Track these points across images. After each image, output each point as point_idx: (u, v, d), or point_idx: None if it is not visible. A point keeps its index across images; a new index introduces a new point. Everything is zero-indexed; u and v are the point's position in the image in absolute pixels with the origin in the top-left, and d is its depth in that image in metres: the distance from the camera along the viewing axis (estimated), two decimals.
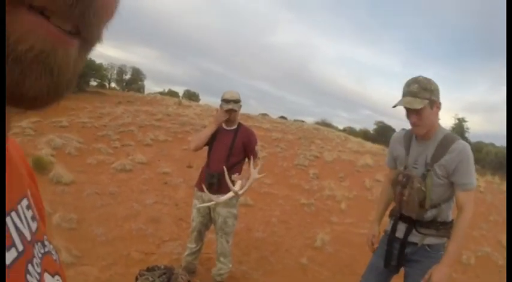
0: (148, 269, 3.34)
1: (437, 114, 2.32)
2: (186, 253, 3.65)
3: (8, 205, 0.40)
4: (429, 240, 2.43)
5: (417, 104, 2.22)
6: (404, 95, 2.30)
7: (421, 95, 2.23)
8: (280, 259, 4.65)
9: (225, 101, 3.39)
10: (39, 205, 0.54)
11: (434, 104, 2.27)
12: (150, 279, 3.14)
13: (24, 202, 0.45)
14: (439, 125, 2.38)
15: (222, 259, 3.50)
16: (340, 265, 4.71)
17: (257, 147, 3.51)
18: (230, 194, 3.16)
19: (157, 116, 16.22)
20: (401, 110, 2.35)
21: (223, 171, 3.34)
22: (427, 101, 2.22)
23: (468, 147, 2.27)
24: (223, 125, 3.50)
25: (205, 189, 3.27)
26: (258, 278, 4.08)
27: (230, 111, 3.39)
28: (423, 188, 2.30)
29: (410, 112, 2.29)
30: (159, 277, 3.17)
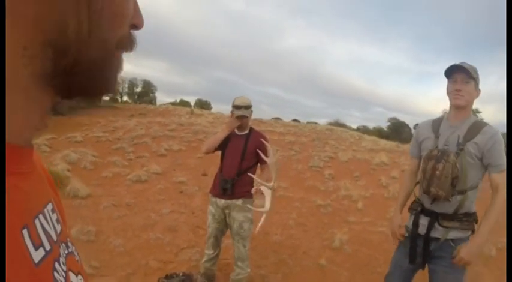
0: (167, 277, 3.37)
1: (475, 98, 2.46)
2: (204, 259, 3.65)
3: (36, 208, 0.43)
4: (453, 234, 2.40)
5: (470, 72, 2.36)
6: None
7: (471, 71, 2.37)
8: (298, 261, 4.63)
9: (236, 107, 3.39)
10: (62, 211, 0.57)
11: (477, 88, 2.43)
12: None
13: (50, 206, 0.48)
14: (472, 111, 2.51)
15: (239, 264, 3.50)
16: (359, 264, 4.66)
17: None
18: (269, 197, 3.01)
19: (171, 126, 16.33)
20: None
21: (236, 177, 3.35)
22: (474, 78, 2.38)
23: (499, 131, 2.37)
24: (235, 130, 3.50)
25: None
26: None
27: (241, 118, 3.40)
28: (458, 165, 2.31)
29: (457, 81, 2.41)
30: None
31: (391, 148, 15.44)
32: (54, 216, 0.48)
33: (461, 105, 2.42)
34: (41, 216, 0.43)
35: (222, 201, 3.42)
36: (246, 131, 3.51)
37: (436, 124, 2.56)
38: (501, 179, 2.29)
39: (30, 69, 0.37)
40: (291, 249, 5.03)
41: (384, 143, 18.14)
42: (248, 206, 3.37)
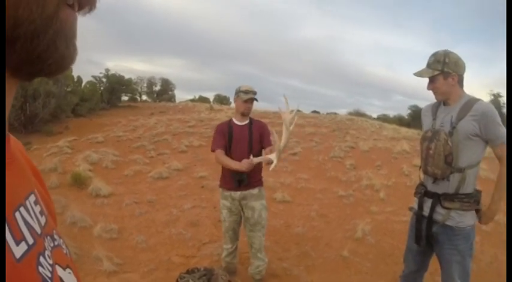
0: (188, 272, 3.38)
1: (453, 85, 2.49)
2: (224, 254, 3.65)
3: (16, 200, 0.42)
4: (454, 217, 2.46)
5: (425, 74, 2.52)
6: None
7: (433, 66, 2.49)
8: (320, 253, 4.59)
9: (244, 92, 3.39)
10: (48, 202, 0.56)
11: (449, 76, 2.46)
12: (190, 281, 3.17)
13: (32, 198, 0.46)
14: (463, 93, 2.53)
15: (259, 255, 3.48)
16: (382, 255, 4.59)
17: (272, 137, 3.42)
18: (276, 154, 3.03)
19: (190, 123, 16.43)
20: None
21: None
22: (437, 72, 2.46)
23: (490, 105, 2.44)
24: (235, 121, 3.49)
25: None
26: (299, 274, 4.04)
27: (250, 101, 3.41)
28: (449, 142, 2.40)
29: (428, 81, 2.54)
30: (199, 279, 3.20)
31: (412, 136, 15.17)
32: (37, 208, 0.47)
33: (440, 100, 2.59)
34: (22, 208, 0.42)
35: (237, 194, 3.41)
36: (247, 121, 3.50)
37: (435, 106, 2.67)
38: (503, 150, 2.37)
39: None
40: (313, 241, 4.99)
41: (404, 131, 17.85)
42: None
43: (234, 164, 3.26)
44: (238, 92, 3.43)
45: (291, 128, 3.03)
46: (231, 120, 3.56)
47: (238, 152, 3.39)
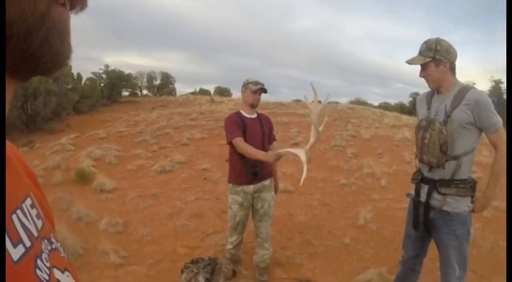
0: (192, 262, 3.45)
1: (445, 72, 2.50)
2: (229, 247, 3.70)
3: (13, 203, 0.42)
4: (450, 203, 2.49)
5: (417, 61, 2.53)
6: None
7: (425, 54, 2.51)
8: (323, 241, 4.66)
9: (253, 83, 3.42)
10: (45, 206, 0.57)
11: (441, 63, 2.47)
12: (195, 270, 3.24)
13: (28, 201, 0.47)
14: (456, 80, 2.54)
15: (265, 245, 3.54)
16: (384, 242, 4.65)
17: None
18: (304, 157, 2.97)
19: (192, 116, 16.44)
20: None
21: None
22: (429, 59, 2.48)
23: (483, 93, 2.45)
24: (246, 114, 3.48)
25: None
26: (302, 262, 4.11)
27: (259, 91, 3.44)
28: (444, 131, 2.42)
29: (420, 69, 2.56)
30: (203, 268, 3.27)
31: (414, 123, 15.02)
32: (33, 212, 0.47)
33: (432, 87, 2.61)
34: (18, 211, 0.43)
35: (251, 187, 3.42)
36: (256, 114, 3.54)
37: (430, 95, 2.68)
38: (497, 137, 2.40)
39: None
40: (315, 229, 5.06)
41: (406, 118, 17.84)
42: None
43: (259, 154, 3.14)
44: (246, 84, 3.45)
45: (321, 128, 2.93)
46: (239, 112, 3.50)
47: (255, 146, 3.29)
